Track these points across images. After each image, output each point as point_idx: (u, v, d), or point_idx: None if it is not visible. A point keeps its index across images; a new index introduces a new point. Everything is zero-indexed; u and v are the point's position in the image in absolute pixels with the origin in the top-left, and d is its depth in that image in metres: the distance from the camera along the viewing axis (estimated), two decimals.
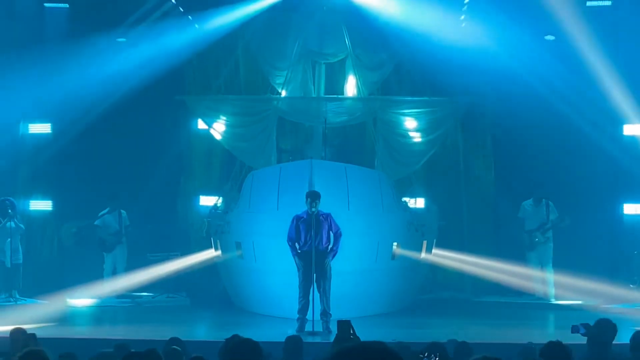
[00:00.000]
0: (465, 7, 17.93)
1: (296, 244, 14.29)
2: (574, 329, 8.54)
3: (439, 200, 18.63)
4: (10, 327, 9.90)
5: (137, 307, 17.33)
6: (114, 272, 17.98)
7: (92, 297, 17.21)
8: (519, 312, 16.64)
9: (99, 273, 17.89)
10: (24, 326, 10.21)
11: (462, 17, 18.09)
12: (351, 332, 9.13)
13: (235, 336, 6.15)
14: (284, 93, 18.22)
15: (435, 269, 17.69)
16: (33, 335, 9.57)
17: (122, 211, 18.09)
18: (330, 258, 14.18)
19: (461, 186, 19.21)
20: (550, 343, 6.99)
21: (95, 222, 17.98)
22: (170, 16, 18.16)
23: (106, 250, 18.03)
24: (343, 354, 3.20)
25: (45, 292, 17.10)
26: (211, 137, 19.09)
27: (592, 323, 8.45)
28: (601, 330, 8.26)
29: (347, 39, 17.87)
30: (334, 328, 11.56)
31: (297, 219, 14.26)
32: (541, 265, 17.71)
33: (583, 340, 8.37)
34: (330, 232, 14.25)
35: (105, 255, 18.06)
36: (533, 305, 17.16)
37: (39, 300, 16.89)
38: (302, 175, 15.19)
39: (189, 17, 18.41)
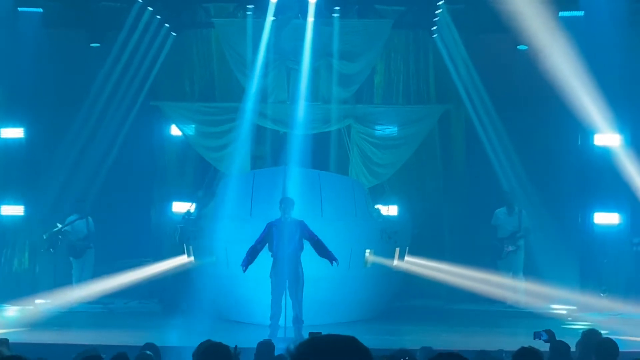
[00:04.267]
0: (438, 18, 18.06)
1: (269, 251, 14.28)
2: (536, 335, 8.61)
3: (413, 208, 18.71)
4: None
5: (108, 313, 17.26)
6: (81, 278, 17.89)
7: (63, 302, 17.13)
8: (491, 319, 16.71)
9: (67, 279, 17.81)
10: None
11: (435, 27, 18.23)
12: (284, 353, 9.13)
13: (208, 340, 6.19)
14: (258, 100, 18.22)
15: (408, 277, 17.74)
16: (6, 340, 9.51)
17: (89, 217, 18.01)
18: (336, 263, 14.07)
19: (435, 193, 19.28)
20: (522, 349, 7.04)
21: (66, 228, 17.89)
22: (146, 22, 18.11)
23: (75, 256, 17.94)
24: (314, 345, 3.23)
25: (17, 297, 17.02)
26: (185, 143, 19.11)
27: (555, 331, 8.51)
28: (604, 351, 7.98)
29: (322, 46, 17.92)
30: (306, 335, 11.57)
31: (271, 225, 14.27)
32: (512, 273, 17.81)
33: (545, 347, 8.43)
34: (303, 239, 14.25)
35: (73, 261, 17.96)
36: (504, 313, 17.23)
37: (10, 305, 16.80)
38: (275, 182, 15.24)
39: (166, 24, 18.38)
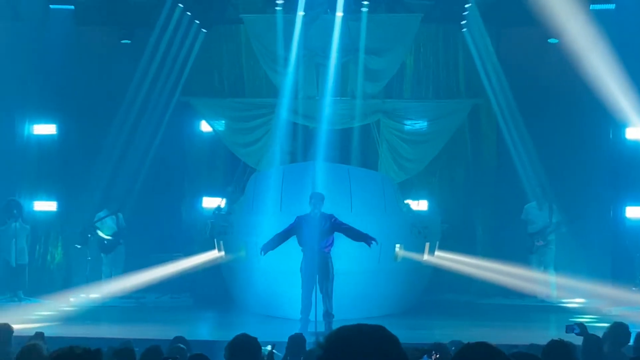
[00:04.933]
0: (467, 12, 17.99)
1: (299, 245, 14.32)
2: (569, 329, 8.61)
3: (443, 202, 18.70)
4: (14, 326, 9.93)
5: (140, 307, 17.38)
6: (112, 274, 18.02)
7: (96, 297, 17.29)
8: (521, 314, 16.66)
9: (98, 275, 17.96)
10: (29, 325, 10.28)
11: (464, 22, 18.16)
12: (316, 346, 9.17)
13: (243, 334, 6.27)
14: (287, 95, 18.26)
15: (438, 271, 17.73)
16: (41, 333, 9.63)
17: (119, 214, 18.13)
18: (375, 243, 14.00)
19: (465, 188, 19.25)
20: (553, 341, 7.04)
21: (95, 224, 18.03)
22: (176, 19, 18.19)
23: (105, 252, 18.08)
24: (342, 335, 3.26)
25: (50, 292, 17.19)
26: (215, 138, 19.20)
27: (587, 325, 8.52)
28: (616, 333, 8.27)
29: (351, 41, 17.93)
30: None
31: (300, 219, 14.30)
32: (543, 267, 17.77)
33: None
34: (333, 233, 14.26)
35: (104, 257, 18.11)
36: (535, 308, 17.19)
37: (43, 300, 16.97)
38: (305, 177, 15.26)
39: (196, 21, 18.45)
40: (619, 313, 15.30)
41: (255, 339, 6.51)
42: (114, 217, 18.06)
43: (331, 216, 14.31)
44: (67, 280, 18.26)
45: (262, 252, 14.25)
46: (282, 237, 14.30)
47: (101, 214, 18.07)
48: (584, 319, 12.83)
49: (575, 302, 16.93)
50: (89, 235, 17.95)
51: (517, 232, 18.10)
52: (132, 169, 18.41)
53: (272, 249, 14.28)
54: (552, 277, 17.65)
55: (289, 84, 18.08)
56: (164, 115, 18.58)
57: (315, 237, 14.08)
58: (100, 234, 17.98)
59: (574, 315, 15.18)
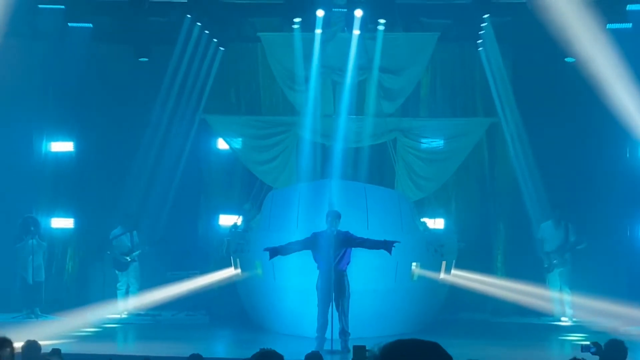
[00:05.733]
0: (483, 32, 18.00)
1: (315, 262, 14.33)
2: (584, 348, 8.59)
3: (459, 221, 18.68)
4: None
5: (156, 324, 17.41)
6: (127, 292, 18.07)
7: (112, 314, 17.33)
8: (538, 333, 16.62)
9: (113, 292, 18.00)
10: (46, 342, 10.30)
11: (480, 40, 18.17)
12: (367, 356, 9.15)
13: (264, 349, 6.26)
14: (304, 113, 18.30)
15: (454, 290, 17.70)
16: (58, 350, 9.66)
17: (134, 232, 18.18)
18: (394, 245, 14.07)
19: (482, 207, 19.23)
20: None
21: (112, 242, 18.09)
22: (194, 37, 18.27)
23: (120, 269, 18.13)
24: (398, 348, 3.30)
25: (67, 309, 17.23)
26: (231, 156, 19.25)
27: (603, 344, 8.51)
28: (611, 350, 8.31)
29: (368, 59, 17.97)
30: (351, 348, 11.60)
31: (317, 235, 14.32)
32: (559, 286, 17.71)
33: None
34: (350, 250, 14.27)
35: (119, 275, 18.15)
36: (551, 327, 17.15)
37: (60, 317, 17.01)
38: (321, 195, 15.29)
39: (214, 39, 18.52)
40: (636, 332, 15.23)
41: (281, 356, 6.46)
42: (128, 234, 18.12)
43: (346, 233, 14.33)
44: (84, 298, 18.30)
45: (270, 255, 14.31)
46: (295, 247, 14.34)
47: (116, 231, 18.12)
48: (600, 339, 12.76)
49: (591, 322, 16.85)
50: (108, 252, 18.04)
51: (533, 250, 18.06)
52: (148, 186, 18.47)
53: (278, 254, 14.33)
54: (567, 296, 17.59)
55: (305, 102, 18.12)
56: (180, 133, 18.64)
57: (331, 254, 14.10)
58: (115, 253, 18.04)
59: (590, 335, 15.11)
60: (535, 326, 17.21)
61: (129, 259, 18.01)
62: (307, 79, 18.06)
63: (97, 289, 18.28)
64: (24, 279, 17.50)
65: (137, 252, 18.07)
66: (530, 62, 18.42)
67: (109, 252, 18.01)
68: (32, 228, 17.49)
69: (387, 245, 14.06)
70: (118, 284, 18.09)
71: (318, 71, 17.96)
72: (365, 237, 14.38)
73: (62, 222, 19.05)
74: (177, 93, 18.36)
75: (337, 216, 14.26)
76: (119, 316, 17.53)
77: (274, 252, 14.35)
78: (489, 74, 18.24)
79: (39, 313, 17.28)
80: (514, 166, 18.56)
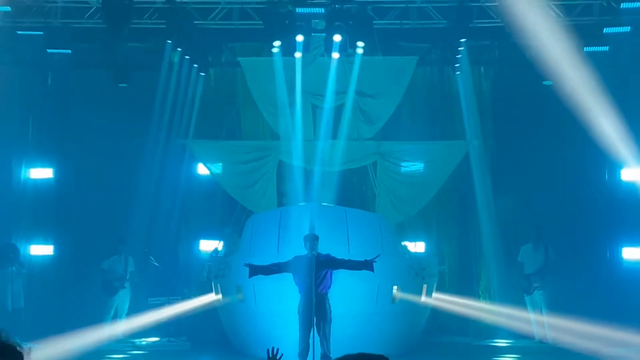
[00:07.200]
0: (460, 56, 18.11)
1: (295, 285, 14.32)
2: None
3: (439, 244, 18.71)
4: None
5: (138, 351, 17.29)
6: (115, 317, 17.98)
7: (93, 341, 17.19)
8: (519, 355, 16.62)
9: (100, 317, 17.88)
10: None
11: (457, 64, 18.28)
12: None
13: None
14: (284, 138, 18.33)
15: (436, 313, 17.70)
16: None
17: (129, 257, 18.12)
18: (374, 261, 14.07)
19: (462, 230, 19.27)
20: None
21: (102, 266, 18.01)
22: (174, 63, 18.29)
23: (108, 295, 18.03)
24: None
25: (46, 336, 17.08)
26: (211, 181, 19.23)
27: None
28: None
29: (346, 84, 18.03)
30: None
31: (298, 258, 14.31)
32: (539, 308, 17.74)
33: None
34: (332, 273, 14.27)
35: (108, 300, 18.06)
36: (532, 349, 17.15)
37: (40, 344, 16.87)
38: (302, 219, 15.28)
39: (195, 65, 18.54)
40: (618, 354, 15.26)
41: None
42: (122, 259, 18.04)
43: (327, 255, 14.33)
44: (64, 325, 18.14)
45: (250, 272, 14.29)
46: (275, 269, 14.33)
47: (113, 259, 18.01)
48: None
49: (572, 344, 16.87)
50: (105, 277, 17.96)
51: (514, 273, 18.09)
52: (128, 212, 18.40)
53: (259, 273, 14.33)
54: (548, 318, 17.62)
55: (285, 126, 18.16)
56: (161, 159, 18.61)
57: (312, 278, 14.08)
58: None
59: (572, 357, 15.14)
60: (516, 348, 17.21)
61: (117, 285, 17.92)
62: (288, 104, 18.10)
63: (77, 316, 18.13)
64: (3, 306, 17.37)
65: (127, 282, 17.97)
66: (509, 85, 18.55)
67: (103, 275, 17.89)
68: (12, 255, 17.37)
69: (368, 265, 14.07)
70: (106, 308, 17.96)
71: (298, 96, 18.00)
72: (347, 259, 14.39)
73: (42, 249, 18.96)
74: (157, 118, 18.35)
75: (315, 239, 14.25)
76: (100, 343, 17.38)
77: (254, 270, 14.34)
78: (463, 98, 18.37)
79: (18, 341, 17.10)
80: (495, 188, 18.65)
